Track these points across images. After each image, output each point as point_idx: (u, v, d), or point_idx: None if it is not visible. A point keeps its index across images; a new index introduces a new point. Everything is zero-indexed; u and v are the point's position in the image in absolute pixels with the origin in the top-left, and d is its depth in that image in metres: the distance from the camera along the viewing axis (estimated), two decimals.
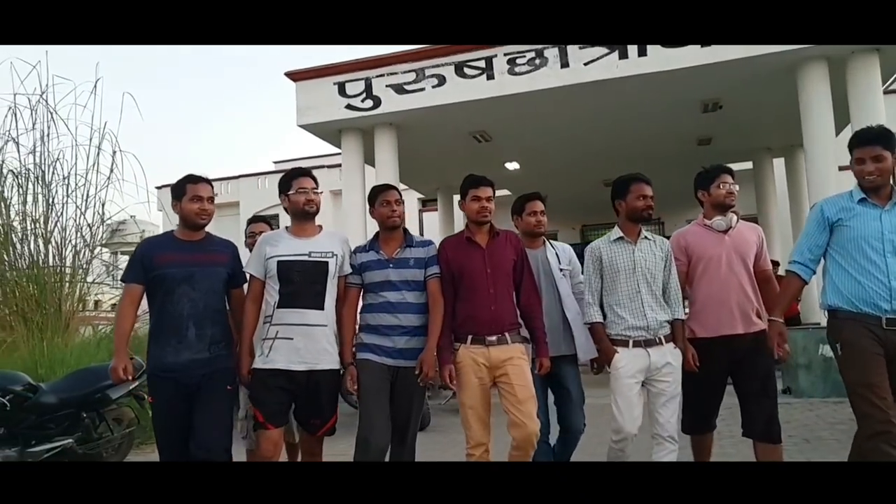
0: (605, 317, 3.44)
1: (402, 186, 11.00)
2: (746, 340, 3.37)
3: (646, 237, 3.52)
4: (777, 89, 8.20)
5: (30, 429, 3.99)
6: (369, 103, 8.81)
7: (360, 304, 3.50)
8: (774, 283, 3.56)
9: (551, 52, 8.05)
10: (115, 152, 8.24)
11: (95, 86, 8.22)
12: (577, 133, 10.04)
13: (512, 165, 11.84)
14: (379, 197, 3.49)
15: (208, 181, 3.37)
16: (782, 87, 7.99)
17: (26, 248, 7.60)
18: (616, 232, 3.54)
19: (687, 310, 3.55)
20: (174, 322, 3.17)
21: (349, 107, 8.89)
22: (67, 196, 7.89)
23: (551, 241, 3.93)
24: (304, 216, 3.36)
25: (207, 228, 3.36)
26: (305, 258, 3.27)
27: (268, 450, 3.21)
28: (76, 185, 7.94)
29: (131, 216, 9.36)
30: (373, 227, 3.71)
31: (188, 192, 3.28)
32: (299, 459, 3.70)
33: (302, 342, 3.20)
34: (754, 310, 3.42)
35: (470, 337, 3.32)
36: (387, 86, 8.73)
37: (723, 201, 3.48)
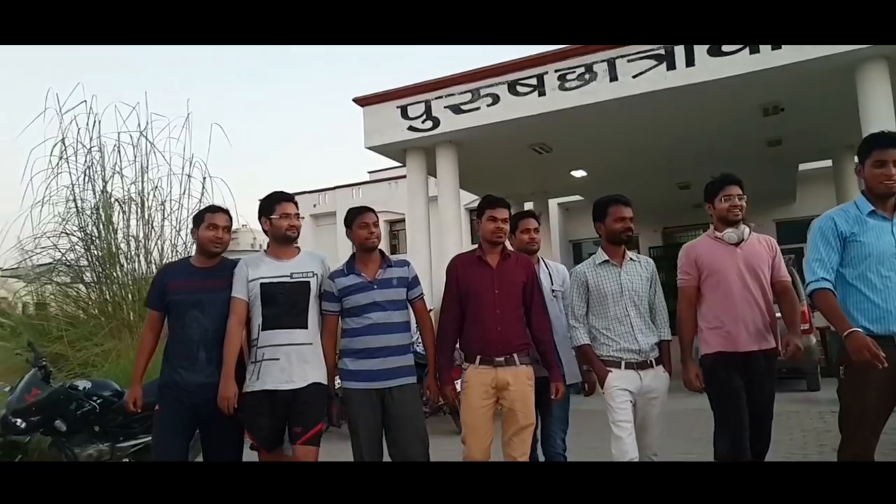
0: (591, 339, 3.44)
1: (465, 198, 11.49)
2: (759, 359, 3.26)
3: (631, 259, 3.53)
4: (838, 89, 7.98)
5: (118, 427, 4.79)
6: (429, 124, 9.33)
7: (341, 328, 3.50)
8: (793, 292, 3.45)
9: (600, 67, 8.25)
10: (204, 178, 9.22)
11: (187, 119, 9.22)
12: (639, 140, 10.10)
13: (578, 173, 12.01)
14: (356, 219, 3.48)
15: (226, 211, 3.52)
16: (843, 87, 7.77)
17: (131, 265, 8.68)
18: (601, 255, 3.53)
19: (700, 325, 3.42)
20: (185, 346, 3.31)
21: (411, 128, 9.45)
22: (164, 219, 8.93)
23: (546, 260, 3.93)
24: (285, 240, 3.42)
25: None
26: (287, 279, 3.33)
27: None
28: (171, 209, 8.96)
29: (243, 225, 10.36)
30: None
31: (206, 220, 3.43)
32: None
33: (288, 362, 3.24)
34: (768, 326, 3.31)
35: (479, 357, 3.34)
36: (445, 107, 9.22)
37: (725, 215, 3.38)
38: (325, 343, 3.42)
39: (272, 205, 3.42)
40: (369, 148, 9.84)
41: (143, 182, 8.91)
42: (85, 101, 8.13)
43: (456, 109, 9.16)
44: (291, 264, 3.38)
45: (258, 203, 3.51)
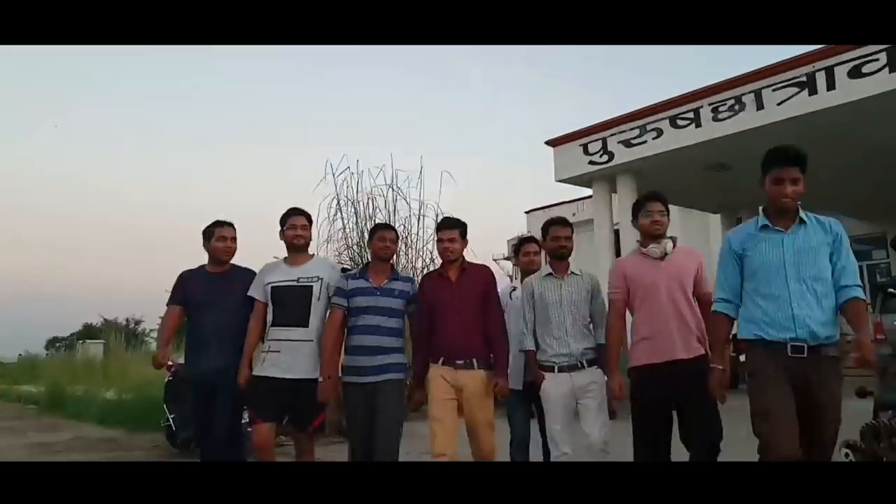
0: (538, 345, 3.70)
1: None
2: (688, 366, 3.29)
3: (573, 273, 3.77)
4: None
5: None
6: (605, 157, 11.06)
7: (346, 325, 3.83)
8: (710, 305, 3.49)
9: (748, 98, 9.25)
10: (437, 215, 11.91)
11: (420, 172, 12.03)
12: (815, 154, 10.52)
13: None
14: (377, 234, 3.91)
15: (231, 225, 4.01)
16: None
17: None
18: (546, 269, 3.83)
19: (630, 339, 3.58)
20: (201, 339, 3.84)
21: (591, 162, 11.27)
22: (407, 249, 11.88)
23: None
24: (293, 249, 3.86)
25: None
26: (294, 283, 3.74)
27: (259, 441, 3.64)
28: (412, 241, 11.82)
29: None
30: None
31: (215, 234, 3.92)
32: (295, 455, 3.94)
33: (287, 355, 3.65)
34: (694, 335, 3.37)
35: (441, 359, 3.65)
36: (618, 142, 10.87)
37: (648, 230, 3.51)
38: (327, 329, 3.75)
39: (285, 219, 3.88)
40: (559, 181, 11.86)
41: (393, 223, 11.94)
42: (349, 166, 11.13)
43: (627, 144, 10.76)
44: (300, 270, 3.80)
45: (279, 219, 3.97)
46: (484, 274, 3.86)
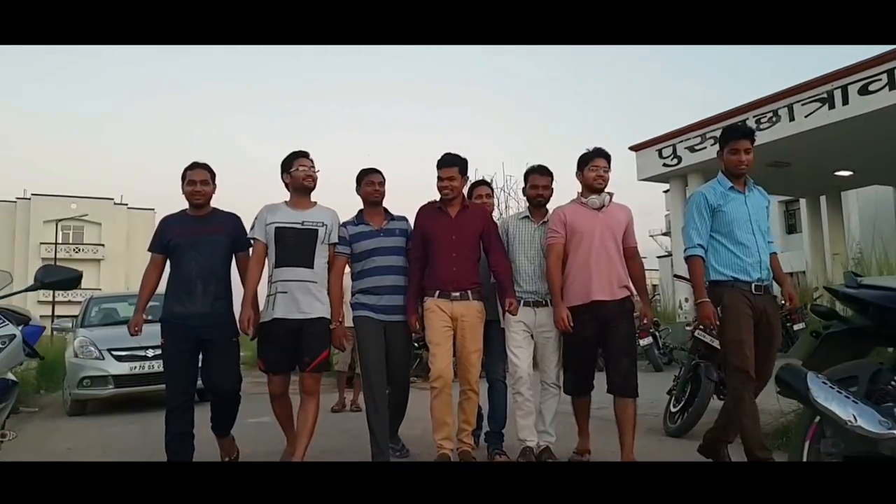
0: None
1: None
2: (612, 306, 3.69)
3: (545, 222, 3.99)
4: None
5: None
6: (675, 161, 13.24)
7: (351, 271, 3.98)
8: (639, 258, 3.94)
9: (783, 111, 11.11)
10: None
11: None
12: (870, 149, 11.99)
13: (844, 172, 13.88)
14: (365, 178, 3.97)
15: (204, 166, 3.86)
16: None
17: None
18: (525, 212, 4.14)
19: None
20: (184, 281, 3.73)
21: (664, 164, 13.49)
22: None
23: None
24: (303, 190, 3.80)
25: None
26: (299, 226, 3.72)
27: (273, 390, 3.81)
28: None
29: None
30: None
31: (186, 177, 3.82)
32: (300, 397, 3.85)
33: (296, 295, 3.65)
34: (620, 280, 3.75)
35: (437, 292, 3.79)
36: (685, 147, 13.02)
37: (591, 183, 3.79)
38: (333, 278, 3.85)
39: (291, 160, 3.83)
40: (641, 180, 14.17)
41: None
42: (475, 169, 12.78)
43: (691, 149, 12.89)
44: (305, 214, 3.77)
45: (280, 163, 3.86)
46: (483, 213, 4.05)
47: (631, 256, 3.86)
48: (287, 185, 3.87)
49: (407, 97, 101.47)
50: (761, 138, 11.63)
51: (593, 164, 3.79)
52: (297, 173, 3.78)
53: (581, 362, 3.83)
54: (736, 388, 3.25)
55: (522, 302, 3.86)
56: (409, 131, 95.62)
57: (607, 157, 3.85)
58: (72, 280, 3.19)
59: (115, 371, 7.31)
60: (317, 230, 3.76)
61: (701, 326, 4.36)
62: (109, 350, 7.37)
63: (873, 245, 8.90)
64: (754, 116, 11.56)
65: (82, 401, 7.41)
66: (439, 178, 3.86)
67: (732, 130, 3.54)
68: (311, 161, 3.86)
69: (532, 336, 3.90)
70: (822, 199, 15.58)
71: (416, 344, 5.01)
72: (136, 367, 7.28)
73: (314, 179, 3.84)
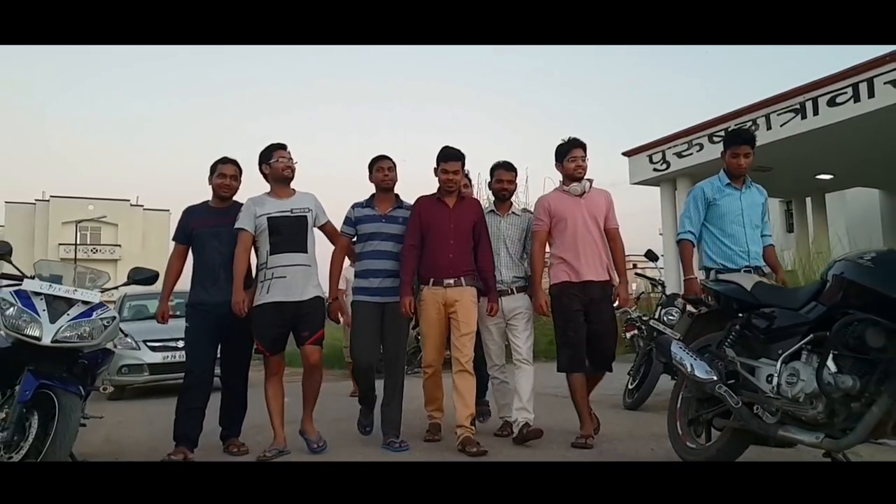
0: None
1: None
2: (596, 287, 3.94)
3: (513, 212, 4.27)
4: None
5: None
6: (664, 166, 14.04)
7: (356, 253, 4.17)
8: (620, 240, 4.14)
9: (761, 121, 11.90)
10: None
11: (527, 180, 15.64)
12: (842, 155, 12.73)
13: (825, 176, 14.63)
14: (375, 164, 4.14)
15: (234, 162, 4.09)
16: None
17: None
18: (491, 206, 4.38)
19: (549, 261, 4.17)
20: (208, 270, 3.97)
21: (654, 169, 14.29)
22: None
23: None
24: (283, 181, 3.97)
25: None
26: (289, 214, 3.91)
27: (272, 370, 3.98)
28: None
29: None
30: None
31: (217, 170, 4.05)
32: (302, 368, 4.08)
33: (293, 279, 3.82)
34: (603, 262, 4.01)
35: (431, 280, 3.94)
36: (672, 153, 13.81)
37: (571, 173, 4.02)
38: (335, 253, 4.17)
39: (270, 152, 3.99)
40: (633, 184, 14.97)
41: None
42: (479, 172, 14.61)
43: (679, 155, 13.68)
44: (291, 202, 3.96)
45: (259, 155, 4.02)
46: (477, 205, 4.21)
47: (613, 237, 4.11)
48: (266, 177, 4.05)
49: (430, 99, 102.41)
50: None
51: (571, 155, 4.03)
52: (277, 164, 3.96)
53: (575, 333, 3.96)
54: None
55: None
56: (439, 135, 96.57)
57: (583, 146, 4.07)
58: (152, 278, 3.83)
59: (150, 360, 8.24)
60: (306, 216, 3.98)
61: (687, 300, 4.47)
62: (144, 341, 8.26)
63: (855, 244, 9.80)
64: (735, 125, 12.32)
65: (120, 387, 8.26)
66: (444, 171, 4.02)
67: (735, 136, 3.97)
68: (289, 153, 4.04)
69: (505, 323, 4.16)
70: (808, 200, 16.35)
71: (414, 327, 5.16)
72: (168, 357, 8.19)
73: (293, 170, 4.03)
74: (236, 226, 3.93)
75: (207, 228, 4.03)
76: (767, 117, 11.82)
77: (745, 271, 3.66)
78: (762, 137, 11.91)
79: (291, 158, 4.03)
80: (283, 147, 4.03)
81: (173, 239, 4.15)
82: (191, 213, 4.15)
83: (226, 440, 4.25)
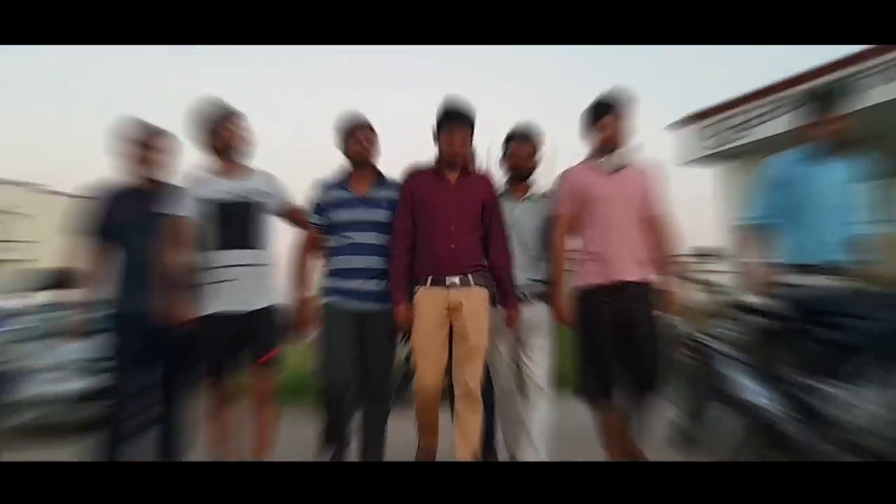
0: None
1: None
2: (633, 289, 3.16)
3: (528, 197, 3.40)
4: None
5: None
6: (723, 140, 11.84)
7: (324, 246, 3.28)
8: (668, 230, 3.30)
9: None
10: None
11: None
12: None
13: None
14: (351, 133, 3.27)
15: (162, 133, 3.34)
16: None
17: None
18: (503, 187, 3.44)
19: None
20: (137, 270, 3.24)
21: (709, 146, 12.09)
22: None
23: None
24: (231, 152, 3.25)
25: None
26: (242, 199, 3.22)
27: (217, 399, 3.20)
28: None
29: None
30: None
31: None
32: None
33: (247, 281, 3.17)
34: (642, 258, 3.22)
35: (430, 278, 3.10)
36: (733, 126, 11.61)
37: (605, 142, 3.26)
38: (301, 252, 3.28)
39: (222, 120, 3.25)
40: (682, 165, 12.76)
41: None
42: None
43: (741, 127, 11.48)
44: (243, 184, 3.23)
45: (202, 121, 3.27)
46: (487, 183, 3.29)
47: (655, 226, 3.25)
48: (214, 149, 3.25)
49: None
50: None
51: (610, 116, 3.19)
52: (228, 132, 3.22)
53: (597, 351, 3.12)
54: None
55: (496, 300, 3.29)
56: None
57: (623, 107, 3.19)
58: None
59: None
60: (265, 203, 3.25)
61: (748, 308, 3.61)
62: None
63: None
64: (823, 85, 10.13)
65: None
66: (450, 136, 3.11)
67: (825, 96, 3.26)
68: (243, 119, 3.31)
69: (515, 338, 3.36)
70: None
71: (402, 341, 3.79)
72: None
73: (245, 141, 3.30)
74: (181, 212, 3.17)
75: (132, 219, 3.31)
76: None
77: (828, 268, 3.06)
78: (859, 100, 9.78)
79: (244, 126, 3.30)
80: (236, 114, 3.30)
81: (80, 232, 3.36)
82: (108, 200, 3.38)
83: None
